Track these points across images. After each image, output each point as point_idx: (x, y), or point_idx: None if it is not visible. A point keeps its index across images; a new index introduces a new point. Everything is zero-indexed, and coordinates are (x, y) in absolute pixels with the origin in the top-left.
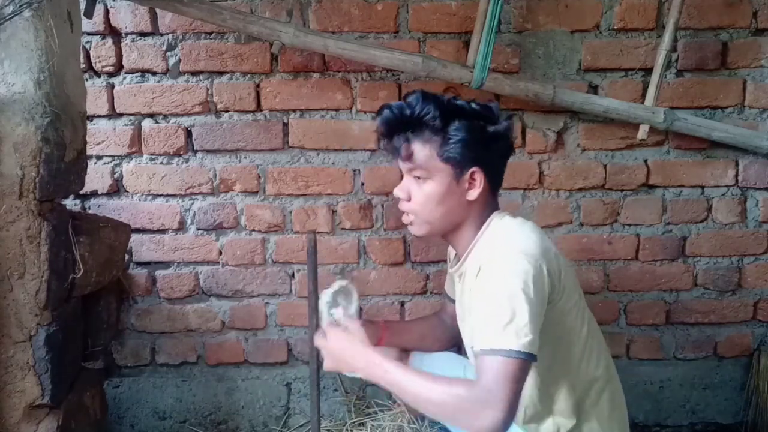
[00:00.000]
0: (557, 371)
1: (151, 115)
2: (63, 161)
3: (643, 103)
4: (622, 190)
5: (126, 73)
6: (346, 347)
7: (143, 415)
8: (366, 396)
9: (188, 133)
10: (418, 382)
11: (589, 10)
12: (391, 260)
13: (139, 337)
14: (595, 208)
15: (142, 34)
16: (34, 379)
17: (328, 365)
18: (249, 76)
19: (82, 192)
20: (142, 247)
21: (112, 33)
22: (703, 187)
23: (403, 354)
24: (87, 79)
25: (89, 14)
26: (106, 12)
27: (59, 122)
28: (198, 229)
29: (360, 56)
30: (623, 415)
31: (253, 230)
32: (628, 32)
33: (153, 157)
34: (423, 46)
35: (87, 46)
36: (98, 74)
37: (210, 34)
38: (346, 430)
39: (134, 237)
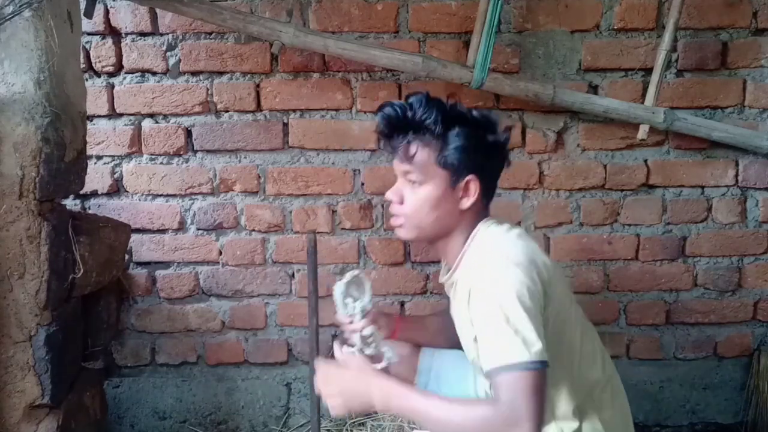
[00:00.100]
0: (557, 378)
1: (151, 115)
2: (63, 161)
3: (643, 103)
4: (622, 190)
5: (126, 73)
6: (352, 383)
7: (143, 415)
8: None
9: (188, 133)
10: (439, 405)
11: (589, 10)
12: (391, 260)
13: (139, 337)
14: (595, 208)
15: (142, 34)
16: (34, 379)
17: (337, 410)
18: (249, 76)
19: (82, 192)
20: (142, 247)
21: (112, 33)
22: (703, 187)
23: (414, 348)
24: (87, 79)
25: (89, 14)
26: (106, 12)
27: (59, 122)
28: (198, 229)
29: (360, 56)
30: (623, 404)
31: (253, 230)
32: (628, 32)
33: (153, 157)
34: (423, 46)
35: (87, 46)
36: (98, 74)
37: (210, 34)
38: (346, 430)
39: (134, 237)
